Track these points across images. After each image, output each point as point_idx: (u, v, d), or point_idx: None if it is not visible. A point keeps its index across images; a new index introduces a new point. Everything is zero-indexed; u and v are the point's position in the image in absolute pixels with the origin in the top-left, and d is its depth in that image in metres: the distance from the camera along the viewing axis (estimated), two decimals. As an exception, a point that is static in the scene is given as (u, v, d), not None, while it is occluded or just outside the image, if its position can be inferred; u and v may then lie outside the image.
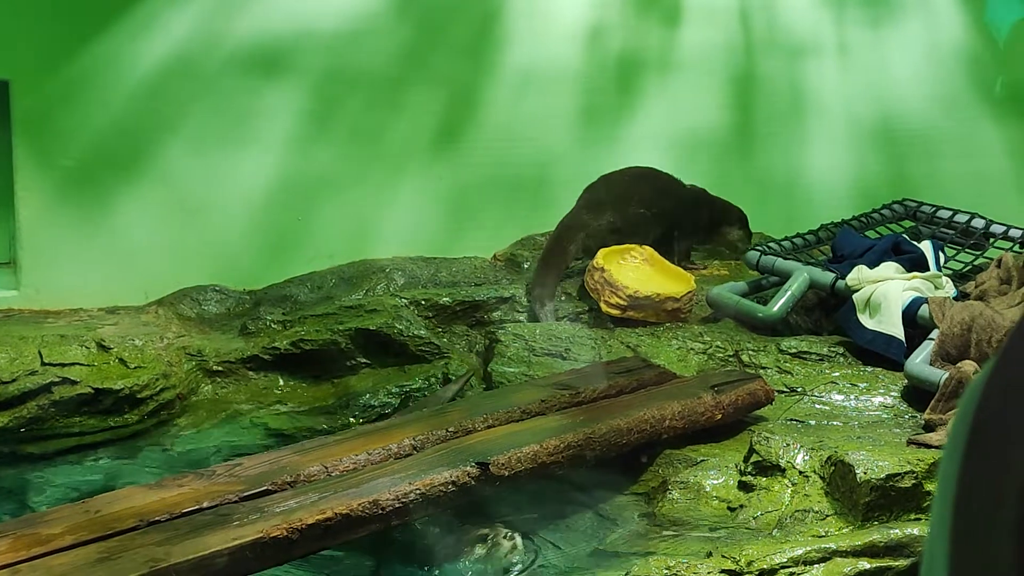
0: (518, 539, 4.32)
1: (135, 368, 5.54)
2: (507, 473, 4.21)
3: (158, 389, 5.52)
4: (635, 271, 6.07)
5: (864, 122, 7.23)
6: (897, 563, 3.97)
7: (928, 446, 4.66)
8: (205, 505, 3.85)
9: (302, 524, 3.72)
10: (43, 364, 5.41)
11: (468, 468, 4.14)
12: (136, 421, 5.44)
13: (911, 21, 7.28)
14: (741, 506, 4.47)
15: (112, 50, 6.09)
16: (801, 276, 5.96)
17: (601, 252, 6.06)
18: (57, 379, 5.39)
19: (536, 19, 6.70)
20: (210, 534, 3.63)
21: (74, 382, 5.40)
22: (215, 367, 5.73)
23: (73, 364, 5.46)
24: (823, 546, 3.99)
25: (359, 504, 3.85)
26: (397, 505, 3.93)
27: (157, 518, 3.74)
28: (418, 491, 3.99)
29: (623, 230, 6.32)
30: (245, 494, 3.94)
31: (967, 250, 6.57)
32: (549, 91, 6.74)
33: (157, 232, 6.26)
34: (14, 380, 5.32)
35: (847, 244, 6.25)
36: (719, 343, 5.72)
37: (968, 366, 5.14)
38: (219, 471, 4.16)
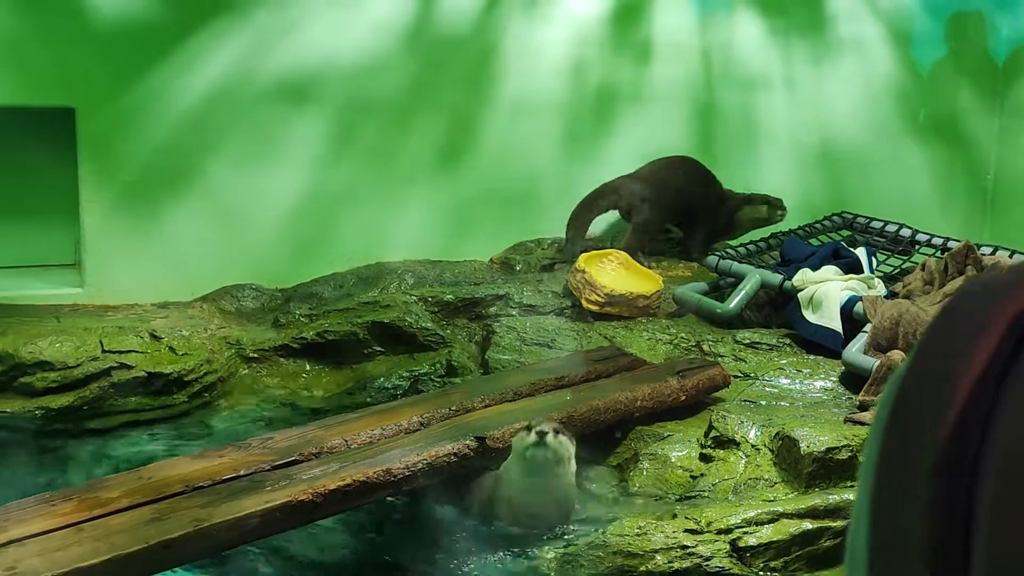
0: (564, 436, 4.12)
1: (183, 355, 5.52)
2: (501, 446, 4.21)
3: (202, 373, 5.51)
4: (611, 273, 6.06)
5: (807, 146, 7.23)
6: (835, 524, 3.97)
7: (862, 423, 4.66)
8: (242, 473, 3.85)
9: (325, 489, 3.72)
10: (104, 351, 5.39)
11: (468, 442, 4.14)
12: (183, 401, 5.43)
13: (848, 59, 7.28)
14: (702, 475, 4.47)
15: (163, 82, 6.08)
16: (754, 277, 5.96)
17: (582, 257, 6.06)
18: (115, 364, 5.37)
19: (526, 56, 6.69)
20: (246, 498, 3.63)
21: (130, 367, 5.38)
22: (251, 354, 5.72)
23: (129, 351, 5.45)
24: (772, 509, 4.00)
25: (374, 472, 3.85)
26: (407, 473, 3.93)
27: (200, 484, 3.74)
28: (425, 461, 3.99)
29: (652, 200, 6.41)
30: (276, 463, 3.94)
31: (896, 255, 6.57)
32: (537, 118, 6.73)
33: (202, 238, 6.25)
34: (79, 365, 5.31)
35: (793, 250, 6.26)
36: (683, 335, 5.72)
37: (896, 355, 5.14)
38: (254, 443, 4.16)
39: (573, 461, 4.12)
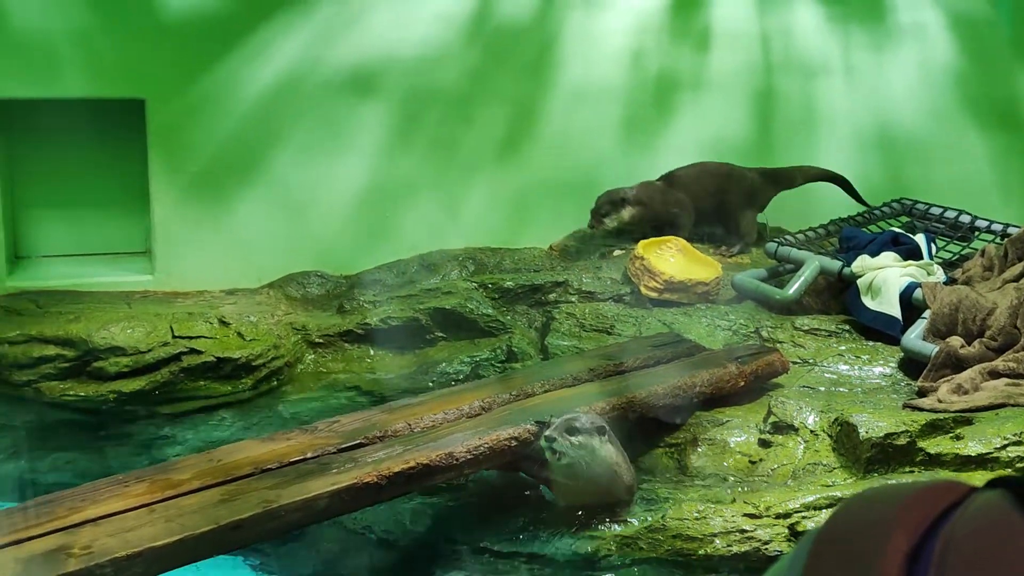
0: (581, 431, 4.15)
1: (250, 340, 5.59)
2: (561, 430, 4.21)
3: (270, 358, 5.57)
4: (670, 260, 6.04)
5: (867, 131, 7.14)
6: (894, 509, 3.94)
7: (921, 409, 4.62)
8: (309, 455, 3.89)
9: (389, 472, 3.75)
10: (174, 337, 5.47)
11: (528, 426, 4.15)
12: (251, 385, 5.49)
13: (908, 44, 7.19)
14: (760, 460, 4.46)
15: (231, 73, 6.14)
16: (813, 264, 5.91)
17: (640, 244, 6.04)
18: (185, 350, 5.45)
19: (586, 44, 6.67)
20: (313, 480, 3.67)
21: (199, 352, 5.46)
22: (317, 340, 5.77)
23: (199, 337, 5.52)
24: (830, 494, 3.98)
25: (437, 456, 3.88)
26: (469, 457, 3.96)
27: (269, 466, 3.79)
28: (486, 445, 4.02)
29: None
30: (342, 446, 3.99)
31: (955, 242, 6.49)
32: (597, 106, 6.71)
33: (269, 226, 6.30)
34: (150, 350, 5.39)
35: (852, 237, 6.20)
36: (742, 321, 5.69)
37: (955, 341, 5.09)
38: (320, 427, 4.21)
39: (604, 443, 4.10)
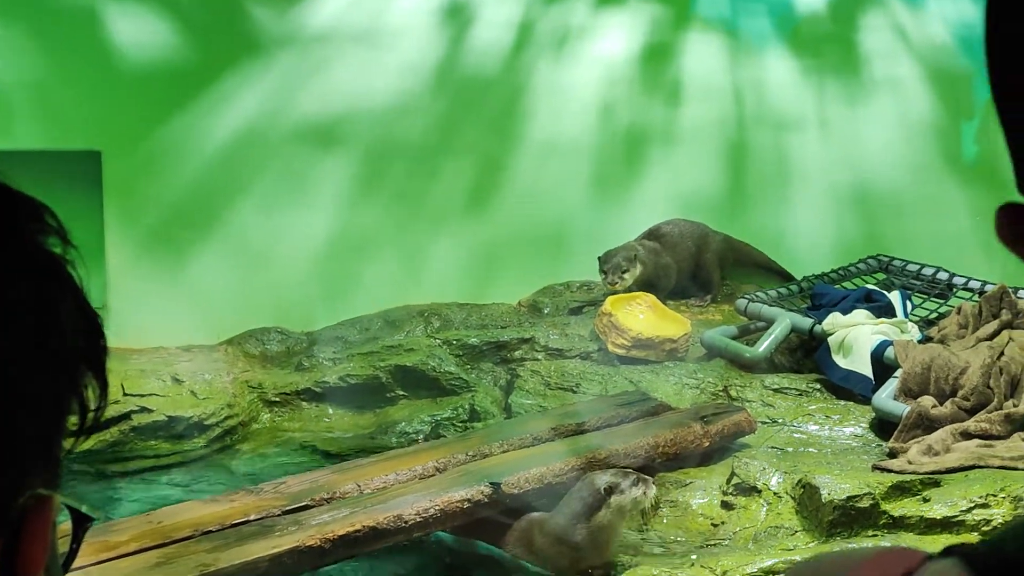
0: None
1: (204, 399, 5.59)
2: (516, 491, 4.22)
3: (223, 417, 5.57)
4: (639, 316, 6.05)
5: (841, 186, 7.20)
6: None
7: (890, 471, 4.62)
8: (252, 517, 3.89)
9: (333, 535, 3.75)
10: (124, 395, 5.47)
11: (482, 488, 4.15)
12: (203, 445, 5.49)
13: (884, 98, 7.27)
14: (722, 522, 4.46)
15: (189, 124, 6.19)
16: (784, 321, 5.93)
17: (609, 300, 6.06)
18: (136, 408, 5.45)
19: (555, 96, 6.74)
20: (254, 542, 3.67)
21: (151, 410, 5.45)
22: (273, 398, 5.78)
23: (150, 395, 5.53)
24: (790, 558, 3.98)
25: (385, 518, 3.88)
26: (418, 520, 3.96)
27: (210, 528, 3.78)
28: (437, 507, 4.01)
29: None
30: (287, 508, 3.98)
31: (933, 299, 6.52)
32: (566, 159, 6.77)
33: (227, 281, 6.32)
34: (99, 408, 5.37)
35: (824, 294, 6.23)
36: (711, 379, 5.70)
37: (927, 401, 5.10)
38: (266, 488, 4.20)
39: None
